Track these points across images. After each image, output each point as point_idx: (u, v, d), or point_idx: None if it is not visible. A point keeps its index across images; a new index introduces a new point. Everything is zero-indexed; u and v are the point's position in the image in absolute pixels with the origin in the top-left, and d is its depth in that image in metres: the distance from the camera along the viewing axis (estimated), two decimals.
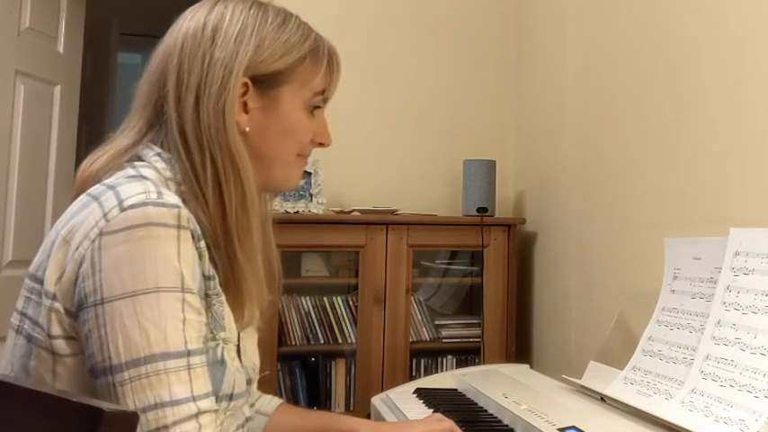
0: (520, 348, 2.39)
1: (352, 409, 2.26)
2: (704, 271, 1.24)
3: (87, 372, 0.79)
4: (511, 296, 2.36)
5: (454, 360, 2.41)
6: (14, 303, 0.88)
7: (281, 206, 2.29)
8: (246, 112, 0.93)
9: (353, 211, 2.35)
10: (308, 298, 2.32)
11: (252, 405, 1.05)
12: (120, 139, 0.94)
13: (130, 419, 0.69)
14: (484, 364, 2.22)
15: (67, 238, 0.81)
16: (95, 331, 0.77)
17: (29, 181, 2.58)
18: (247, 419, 0.97)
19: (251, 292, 0.92)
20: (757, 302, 1.10)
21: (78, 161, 1.01)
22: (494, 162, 2.43)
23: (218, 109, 0.89)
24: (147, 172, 0.88)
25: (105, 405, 0.66)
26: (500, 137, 2.69)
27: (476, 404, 1.40)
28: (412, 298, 2.33)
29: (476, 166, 2.40)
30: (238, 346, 0.94)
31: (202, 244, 0.85)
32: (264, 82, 0.94)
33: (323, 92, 1.00)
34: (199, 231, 0.84)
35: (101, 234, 0.79)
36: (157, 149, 0.91)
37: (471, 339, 2.38)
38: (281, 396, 1.48)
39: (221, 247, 0.89)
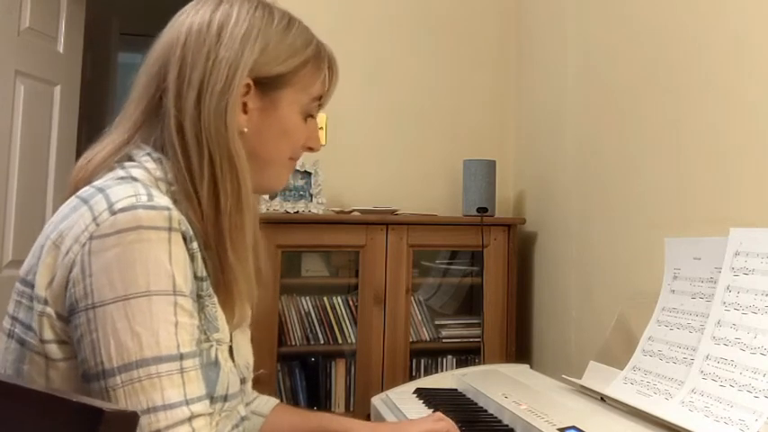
0: (520, 348, 2.39)
1: (352, 409, 2.26)
2: (704, 271, 1.24)
3: (80, 376, 0.78)
4: (511, 296, 2.36)
5: (454, 360, 2.41)
6: None
7: (281, 206, 2.28)
8: (246, 112, 0.93)
9: (353, 211, 2.35)
10: (307, 298, 2.32)
11: (248, 405, 1.04)
12: (115, 133, 0.93)
13: (130, 419, 0.69)
14: (484, 364, 2.22)
15: (57, 242, 0.81)
16: (87, 336, 0.77)
17: (29, 181, 2.58)
18: (242, 419, 0.97)
19: (241, 293, 0.91)
20: (757, 302, 1.10)
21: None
22: (494, 162, 2.43)
23: (219, 108, 0.89)
24: (137, 173, 0.87)
25: (105, 405, 0.66)
26: (500, 137, 2.69)
27: (476, 404, 1.40)
28: (412, 298, 2.33)
29: (476, 166, 2.40)
30: (231, 346, 0.93)
31: (194, 245, 0.84)
32: (266, 84, 0.93)
33: (320, 97, 1.00)
34: (191, 233, 0.83)
35: (91, 238, 0.78)
36: (148, 149, 0.90)
37: (471, 339, 2.38)
38: (280, 396, 1.48)
39: (212, 248, 0.88)
